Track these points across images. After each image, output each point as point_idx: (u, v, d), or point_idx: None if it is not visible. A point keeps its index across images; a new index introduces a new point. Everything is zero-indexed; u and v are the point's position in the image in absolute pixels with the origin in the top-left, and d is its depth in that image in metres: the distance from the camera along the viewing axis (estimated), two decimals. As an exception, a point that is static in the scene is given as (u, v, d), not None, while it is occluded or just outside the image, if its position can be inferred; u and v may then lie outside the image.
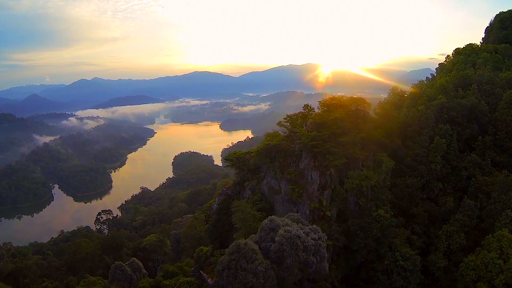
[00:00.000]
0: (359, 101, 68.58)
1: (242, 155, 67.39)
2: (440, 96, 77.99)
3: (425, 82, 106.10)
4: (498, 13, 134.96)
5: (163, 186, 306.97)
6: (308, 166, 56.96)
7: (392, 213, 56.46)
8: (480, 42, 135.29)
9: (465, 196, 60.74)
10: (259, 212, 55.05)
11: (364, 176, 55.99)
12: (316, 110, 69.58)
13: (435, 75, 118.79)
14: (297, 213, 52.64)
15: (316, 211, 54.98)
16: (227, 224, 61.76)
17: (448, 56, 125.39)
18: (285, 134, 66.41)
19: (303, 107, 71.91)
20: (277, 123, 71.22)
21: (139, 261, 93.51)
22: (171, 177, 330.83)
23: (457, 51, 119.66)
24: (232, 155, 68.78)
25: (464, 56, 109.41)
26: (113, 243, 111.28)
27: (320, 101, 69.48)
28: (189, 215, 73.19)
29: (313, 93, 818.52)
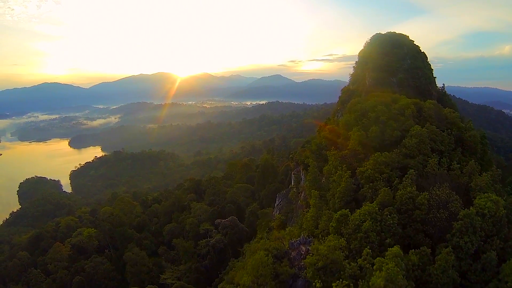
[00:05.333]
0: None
1: None
2: None
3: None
4: (373, 34, 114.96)
5: (7, 223, 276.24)
6: None
7: None
8: (353, 67, 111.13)
9: None
10: None
11: None
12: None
13: (317, 144, 72.25)
14: None
15: None
16: None
17: (336, 117, 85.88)
18: None
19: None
20: None
21: None
22: (15, 210, 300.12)
23: (355, 106, 67.93)
24: None
25: (377, 125, 56.99)
26: None
27: None
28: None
29: (163, 103, 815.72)
